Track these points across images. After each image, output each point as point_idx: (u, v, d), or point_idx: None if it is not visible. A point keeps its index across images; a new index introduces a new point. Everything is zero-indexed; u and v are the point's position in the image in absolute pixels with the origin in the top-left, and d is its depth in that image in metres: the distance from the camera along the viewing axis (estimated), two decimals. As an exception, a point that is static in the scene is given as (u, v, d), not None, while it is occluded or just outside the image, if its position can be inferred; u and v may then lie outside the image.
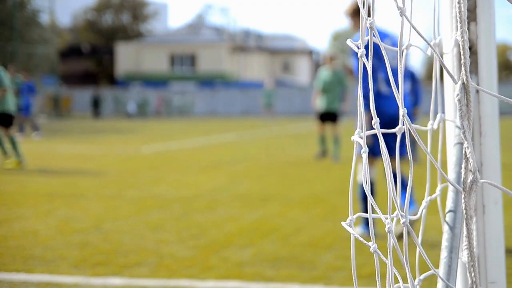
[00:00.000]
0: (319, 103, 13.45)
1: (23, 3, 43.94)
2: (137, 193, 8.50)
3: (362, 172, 5.42)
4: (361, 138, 1.09)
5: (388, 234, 1.05)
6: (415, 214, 4.37)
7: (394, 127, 1.10)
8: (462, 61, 1.03)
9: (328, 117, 13.41)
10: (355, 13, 6.21)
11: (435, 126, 1.49)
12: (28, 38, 42.31)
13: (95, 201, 7.91)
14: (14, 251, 5.26)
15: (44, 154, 14.82)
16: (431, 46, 1.10)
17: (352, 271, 1.07)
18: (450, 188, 1.43)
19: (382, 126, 5.82)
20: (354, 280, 1.08)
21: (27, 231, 6.06)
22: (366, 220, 5.84)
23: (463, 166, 1.05)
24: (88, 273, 4.59)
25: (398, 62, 1.13)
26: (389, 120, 5.72)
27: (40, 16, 45.92)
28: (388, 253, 1.07)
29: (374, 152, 5.85)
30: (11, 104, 11.98)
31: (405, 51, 1.24)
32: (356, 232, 5.03)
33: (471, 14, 1.61)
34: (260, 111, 42.29)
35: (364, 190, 5.88)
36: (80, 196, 8.28)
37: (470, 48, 1.61)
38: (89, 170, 11.36)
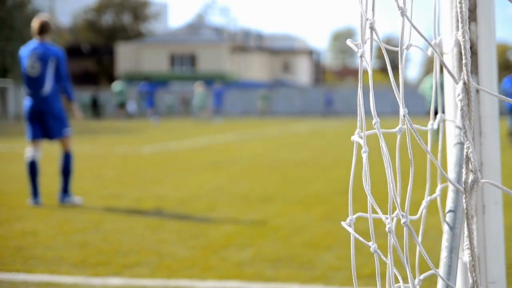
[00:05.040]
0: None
1: (23, 3, 43.99)
2: (137, 193, 8.50)
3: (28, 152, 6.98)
4: (361, 138, 1.09)
5: (388, 234, 1.05)
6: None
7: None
8: (463, 61, 1.03)
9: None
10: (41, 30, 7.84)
11: (435, 126, 1.49)
12: (28, 38, 42.25)
13: (95, 201, 7.91)
14: (14, 251, 5.26)
15: (43, 154, 14.81)
16: (432, 46, 1.11)
17: (352, 271, 1.07)
18: (450, 188, 1.43)
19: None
20: (354, 280, 1.08)
21: (27, 231, 6.06)
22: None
23: (463, 166, 1.05)
24: (88, 273, 4.59)
25: (399, 62, 1.13)
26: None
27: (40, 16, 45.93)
28: (389, 253, 1.07)
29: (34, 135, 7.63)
30: None
31: (405, 51, 1.24)
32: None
33: (471, 14, 1.60)
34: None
35: (30, 168, 7.50)
36: (80, 196, 8.28)
37: (470, 48, 1.61)
38: (89, 170, 11.35)
